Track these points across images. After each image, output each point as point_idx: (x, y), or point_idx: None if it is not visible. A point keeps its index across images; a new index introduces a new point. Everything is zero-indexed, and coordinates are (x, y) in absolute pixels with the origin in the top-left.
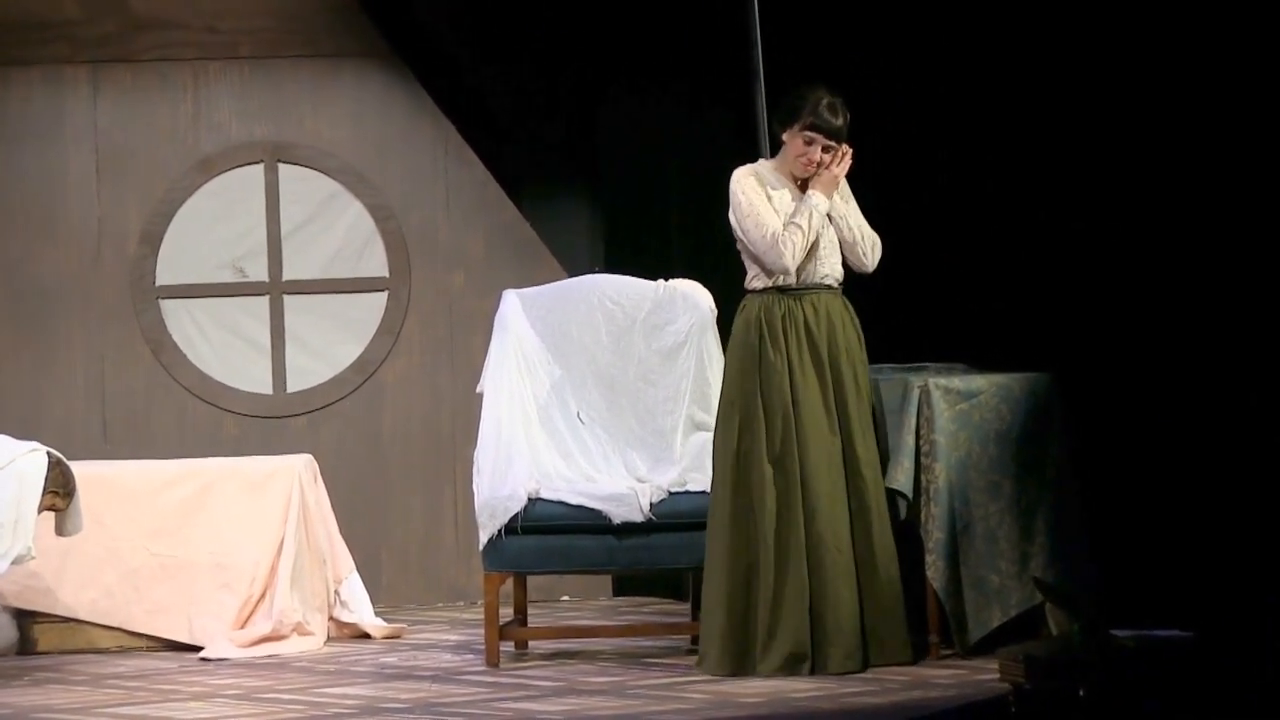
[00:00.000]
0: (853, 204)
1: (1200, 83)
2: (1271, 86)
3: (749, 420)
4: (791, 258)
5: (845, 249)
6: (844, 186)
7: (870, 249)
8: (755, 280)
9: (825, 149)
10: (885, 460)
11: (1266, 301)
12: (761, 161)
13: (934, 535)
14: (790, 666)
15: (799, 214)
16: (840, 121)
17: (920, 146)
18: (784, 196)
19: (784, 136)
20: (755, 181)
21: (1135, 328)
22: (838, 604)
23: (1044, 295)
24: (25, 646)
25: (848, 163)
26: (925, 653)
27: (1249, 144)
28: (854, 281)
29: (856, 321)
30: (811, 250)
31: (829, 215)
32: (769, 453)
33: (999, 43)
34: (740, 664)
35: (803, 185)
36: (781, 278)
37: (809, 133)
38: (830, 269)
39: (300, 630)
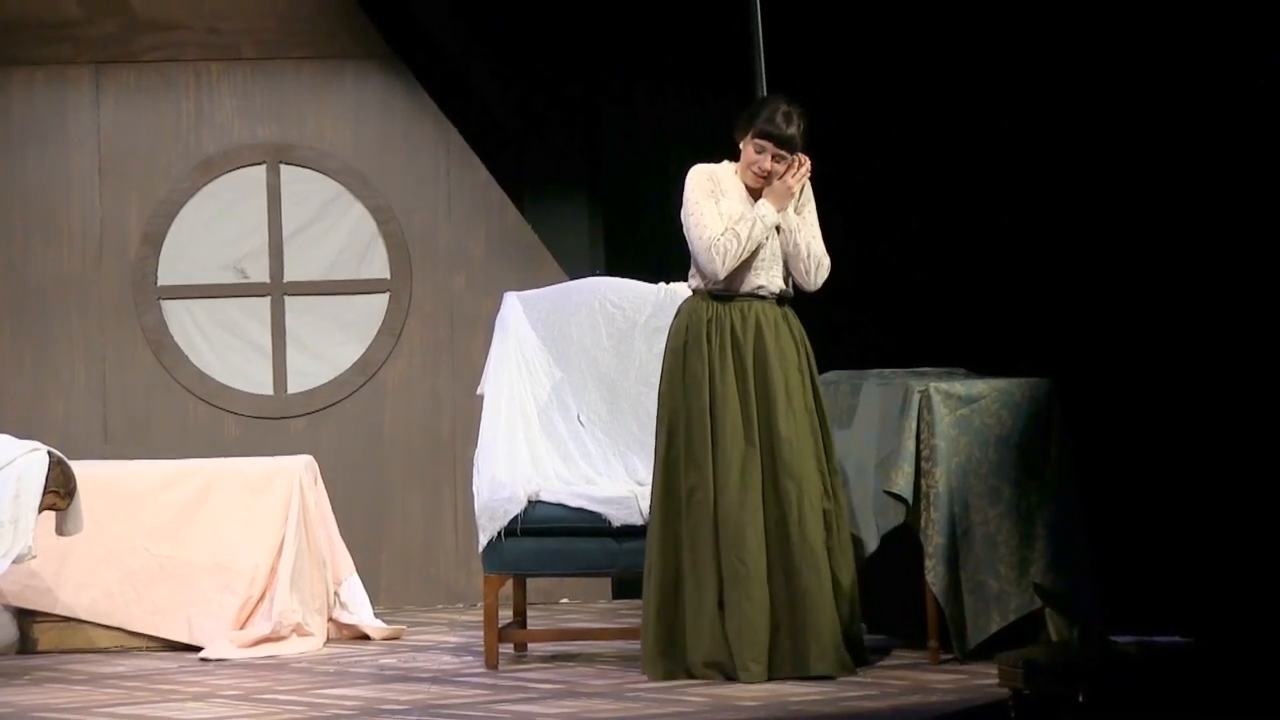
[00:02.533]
0: (810, 218)
1: (1199, 90)
2: (1267, 93)
3: (674, 427)
4: (722, 265)
5: (789, 263)
6: (806, 198)
7: (814, 268)
8: (692, 281)
9: (776, 158)
10: (835, 468)
11: (1265, 307)
12: (725, 163)
13: (933, 540)
14: (706, 673)
15: (741, 222)
16: (792, 130)
17: (923, 150)
18: (734, 203)
19: (740, 144)
20: (707, 183)
21: (1135, 334)
22: (737, 615)
23: (1044, 300)
24: (25, 646)
25: (804, 174)
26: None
27: (1246, 151)
28: (856, 286)
29: (798, 331)
30: (749, 260)
31: (776, 227)
32: (686, 460)
33: (1002, 47)
34: (671, 668)
35: (758, 194)
36: (713, 283)
37: (759, 140)
38: (768, 280)
39: (300, 631)
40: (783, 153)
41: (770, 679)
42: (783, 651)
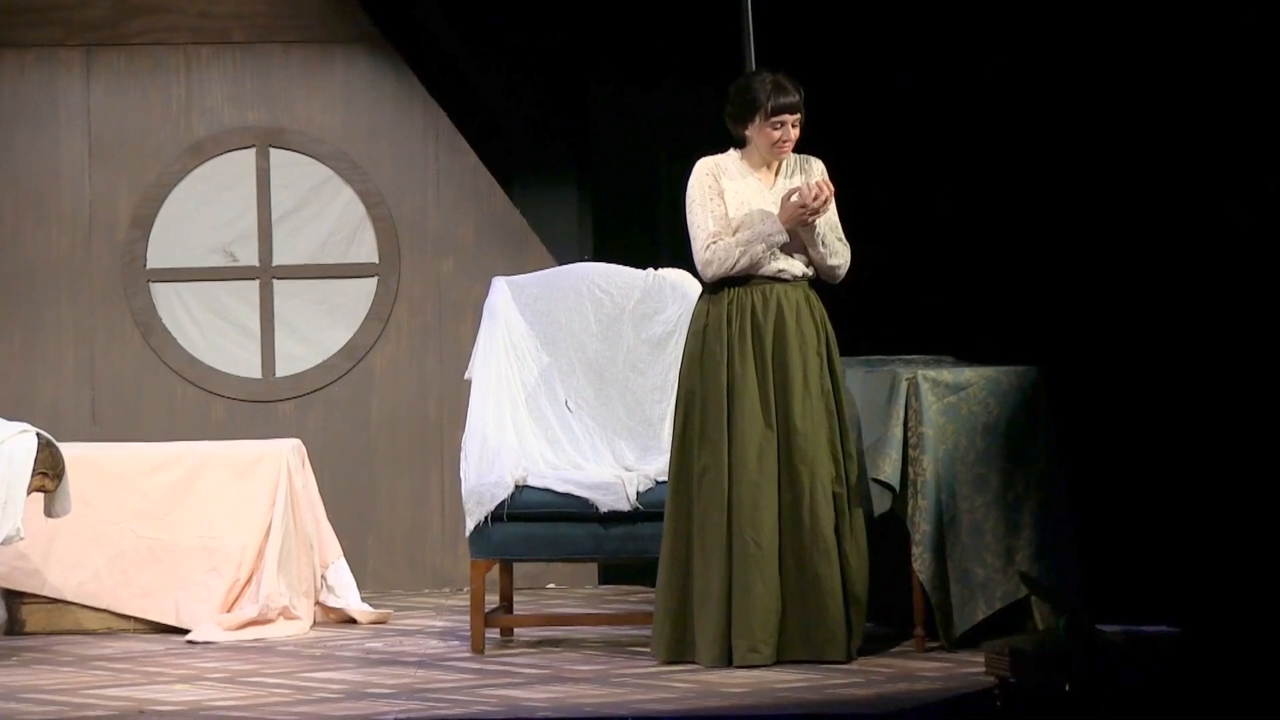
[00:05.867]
0: (831, 217)
1: (1186, 77)
2: (1258, 78)
3: (691, 408)
4: (712, 273)
5: (810, 254)
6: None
7: (833, 253)
8: None
9: (794, 124)
10: (850, 451)
11: (1253, 296)
12: (730, 152)
13: (920, 528)
14: (710, 656)
15: (744, 229)
16: (798, 96)
17: (912, 139)
18: (748, 187)
19: (746, 132)
20: (706, 179)
21: (1123, 322)
22: (748, 596)
23: (1032, 288)
24: (13, 627)
25: (829, 201)
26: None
27: (1236, 138)
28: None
29: (820, 314)
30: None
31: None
32: (702, 443)
33: (992, 38)
34: (679, 651)
35: (774, 168)
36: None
37: (777, 118)
38: (787, 265)
39: (286, 614)
40: (798, 116)
41: (778, 662)
42: (791, 635)
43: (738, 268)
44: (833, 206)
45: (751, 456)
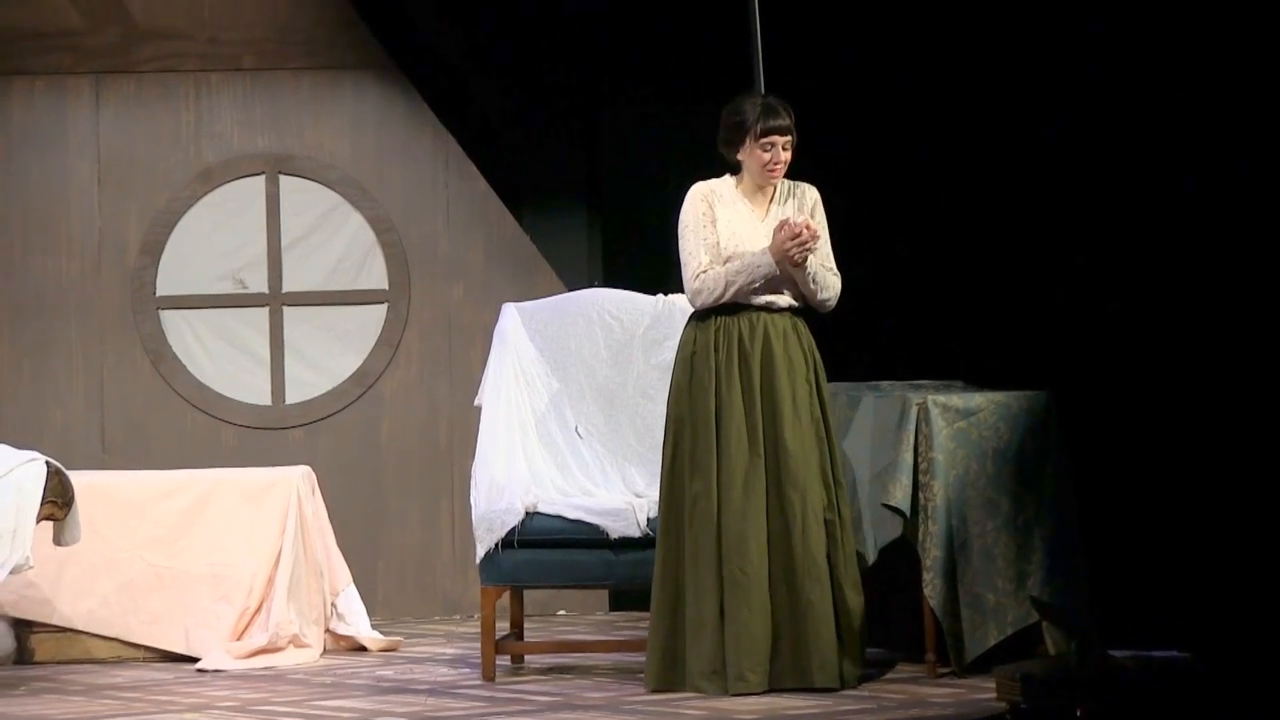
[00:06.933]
0: (824, 249)
1: (1195, 100)
2: (1265, 103)
3: (680, 435)
4: (700, 302)
5: (801, 288)
6: (820, 222)
7: (823, 288)
8: None
9: (784, 146)
10: (840, 480)
11: (1262, 319)
12: (726, 177)
13: (931, 553)
14: (703, 685)
15: (735, 259)
16: (788, 118)
17: (922, 163)
18: (741, 214)
19: (738, 156)
20: (701, 204)
21: (1133, 346)
22: (736, 623)
23: (1042, 313)
24: (22, 656)
25: (815, 241)
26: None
27: (1244, 163)
28: (853, 298)
29: (808, 343)
30: None
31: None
32: (692, 470)
33: (1001, 55)
34: (669, 679)
35: (765, 194)
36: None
37: (767, 139)
38: (774, 298)
39: (296, 642)
40: (788, 139)
41: (771, 690)
42: (784, 662)
43: (726, 298)
44: (825, 238)
45: (738, 484)
